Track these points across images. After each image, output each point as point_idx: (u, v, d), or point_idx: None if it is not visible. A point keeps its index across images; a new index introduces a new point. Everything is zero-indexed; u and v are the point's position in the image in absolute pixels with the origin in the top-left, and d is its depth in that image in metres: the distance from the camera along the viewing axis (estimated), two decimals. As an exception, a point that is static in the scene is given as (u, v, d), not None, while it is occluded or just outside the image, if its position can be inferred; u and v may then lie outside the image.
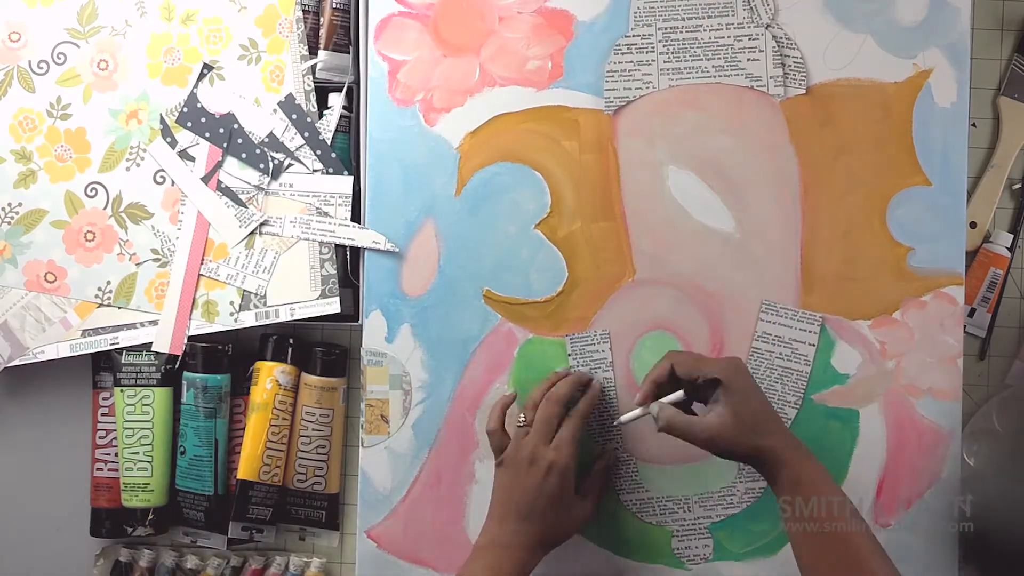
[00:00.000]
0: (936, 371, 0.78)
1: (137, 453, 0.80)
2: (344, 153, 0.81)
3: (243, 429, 0.80)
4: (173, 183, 0.80)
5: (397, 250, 0.80)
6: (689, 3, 0.79)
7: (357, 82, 0.81)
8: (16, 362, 0.79)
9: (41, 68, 0.80)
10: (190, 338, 0.80)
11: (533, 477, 0.70)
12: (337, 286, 0.79)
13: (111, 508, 0.81)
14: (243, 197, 0.80)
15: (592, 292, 0.79)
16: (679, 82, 0.79)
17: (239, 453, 0.80)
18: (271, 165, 0.80)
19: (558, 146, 0.79)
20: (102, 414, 0.82)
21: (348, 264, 0.81)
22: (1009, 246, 0.82)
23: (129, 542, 0.83)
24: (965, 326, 0.81)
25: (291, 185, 0.80)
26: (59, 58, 0.80)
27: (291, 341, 0.81)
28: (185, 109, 0.80)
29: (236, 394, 0.82)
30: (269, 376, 0.80)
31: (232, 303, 0.80)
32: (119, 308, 0.80)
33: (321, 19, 0.81)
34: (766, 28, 0.79)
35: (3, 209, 0.80)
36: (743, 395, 0.67)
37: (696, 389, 0.70)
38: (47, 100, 0.80)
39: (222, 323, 0.80)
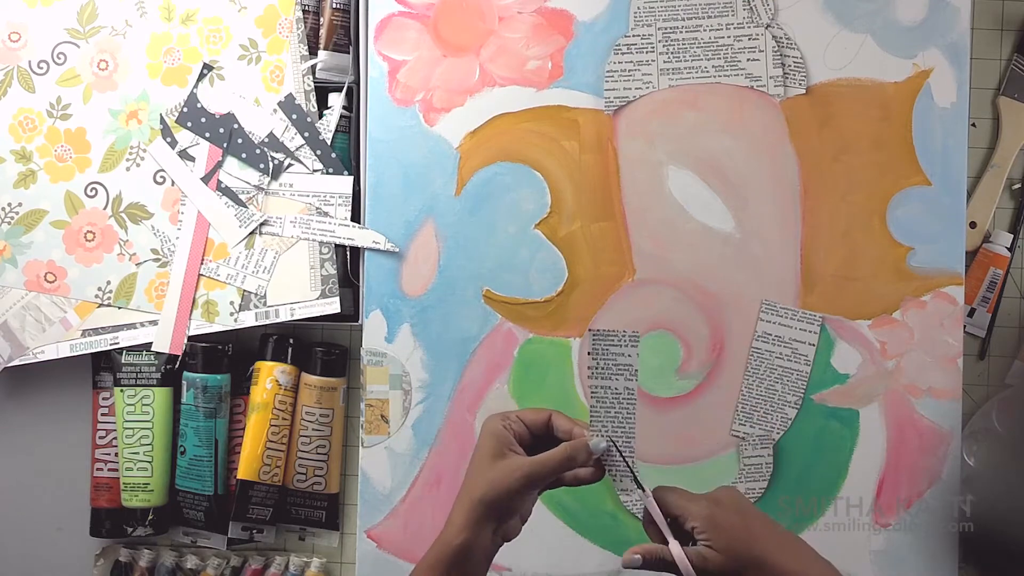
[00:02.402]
0: (936, 371, 0.78)
1: (137, 453, 0.80)
2: (344, 153, 0.81)
3: (243, 429, 0.80)
4: (173, 183, 0.80)
5: (397, 250, 0.80)
6: (689, 3, 0.79)
7: (357, 82, 0.81)
8: (16, 362, 0.79)
9: (41, 68, 0.80)
10: (190, 338, 0.80)
11: (474, 453, 0.61)
12: (337, 286, 0.79)
13: (111, 508, 0.81)
14: (243, 197, 0.80)
15: (592, 292, 0.79)
16: (679, 82, 0.79)
17: (239, 453, 0.80)
18: (271, 165, 0.80)
19: (558, 146, 0.79)
20: (102, 414, 0.82)
21: (348, 264, 0.81)
22: (1009, 246, 0.82)
23: (129, 542, 0.83)
24: (965, 326, 0.81)
25: (291, 185, 0.80)
26: (59, 58, 0.80)
27: (291, 341, 0.81)
28: (185, 109, 0.80)
29: (236, 394, 0.82)
30: (269, 376, 0.80)
31: (232, 303, 0.80)
32: (119, 308, 0.80)
33: (321, 19, 0.81)
34: (766, 28, 0.79)
35: (3, 209, 0.80)
36: (729, 534, 0.58)
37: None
38: (47, 100, 0.80)
39: (222, 323, 0.80)
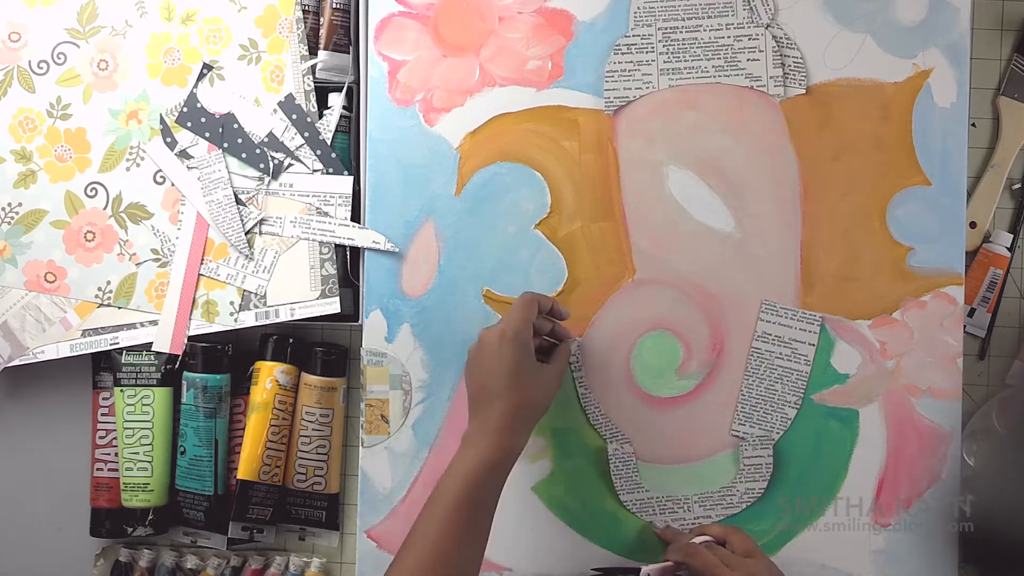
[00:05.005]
0: (936, 371, 0.78)
1: (137, 453, 0.80)
2: (344, 153, 0.81)
3: (243, 429, 0.80)
4: (172, 184, 0.80)
5: (397, 250, 0.80)
6: (689, 3, 0.79)
7: (357, 82, 0.81)
8: (16, 362, 0.79)
9: (41, 68, 0.80)
10: (190, 338, 0.80)
11: (488, 354, 0.68)
12: (337, 286, 0.79)
13: (111, 508, 0.81)
14: (243, 197, 0.80)
15: (592, 292, 0.79)
16: (679, 82, 0.79)
17: (239, 453, 0.80)
18: (271, 165, 0.80)
19: (558, 146, 0.79)
20: (102, 414, 0.82)
21: (348, 264, 0.81)
22: (1009, 246, 0.82)
23: (129, 542, 0.83)
24: (965, 326, 0.81)
25: (291, 185, 0.80)
26: (59, 58, 0.80)
27: (291, 341, 0.81)
28: (185, 109, 0.80)
29: (236, 394, 0.82)
30: (269, 376, 0.80)
31: (232, 303, 0.80)
32: (119, 308, 0.80)
33: (321, 19, 0.81)
34: (766, 28, 0.79)
35: (3, 209, 0.80)
36: None
37: None
38: (47, 100, 0.80)
39: (222, 323, 0.80)
